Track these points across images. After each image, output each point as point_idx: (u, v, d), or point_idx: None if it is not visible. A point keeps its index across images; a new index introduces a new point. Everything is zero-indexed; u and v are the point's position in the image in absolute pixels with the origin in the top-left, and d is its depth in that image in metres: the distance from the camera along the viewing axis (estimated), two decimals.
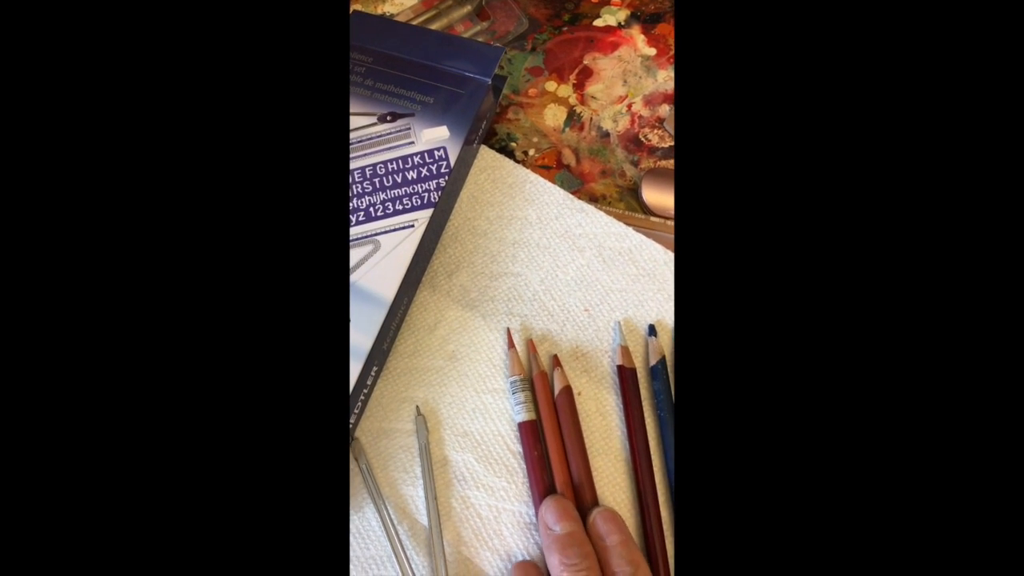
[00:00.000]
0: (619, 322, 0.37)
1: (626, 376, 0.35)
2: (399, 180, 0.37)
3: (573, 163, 0.42)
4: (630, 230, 0.38)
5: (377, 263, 0.35)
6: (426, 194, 0.36)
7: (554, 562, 0.29)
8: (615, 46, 0.46)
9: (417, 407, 0.35)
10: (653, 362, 0.35)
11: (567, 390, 0.34)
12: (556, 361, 0.35)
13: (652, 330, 0.36)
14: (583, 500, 0.32)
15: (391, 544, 0.32)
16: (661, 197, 0.40)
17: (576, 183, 0.42)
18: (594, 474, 0.33)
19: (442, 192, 0.36)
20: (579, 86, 0.45)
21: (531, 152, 0.43)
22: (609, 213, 0.40)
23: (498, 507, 0.33)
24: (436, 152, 0.37)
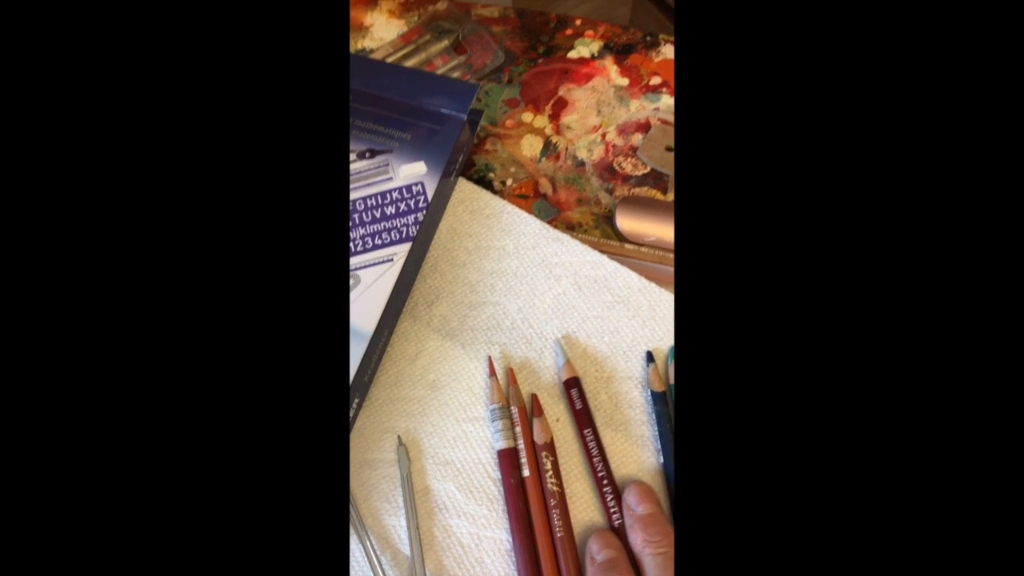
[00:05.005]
0: (558, 340, 0.38)
1: (570, 386, 0.36)
2: (378, 215, 0.38)
3: (550, 192, 0.44)
4: (604, 258, 0.39)
5: (357, 297, 0.36)
6: (404, 228, 0.37)
7: (637, 539, 0.31)
8: (589, 77, 0.47)
9: (399, 437, 0.36)
10: (657, 389, 0.36)
11: (550, 445, 0.35)
12: (536, 405, 0.36)
13: (650, 357, 0.37)
14: (567, 560, 0.33)
15: (374, 574, 0.33)
16: (635, 224, 0.41)
17: (553, 211, 0.43)
18: (570, 499, 0.34)
19: (420, 226, 0.37)
20: (555, 117, 0.46)
21: (509, 182, 0.44)
22: (585, 241, 0.41)
23: (479, 535, 0.34)
24: (414, 187, 0.38)
